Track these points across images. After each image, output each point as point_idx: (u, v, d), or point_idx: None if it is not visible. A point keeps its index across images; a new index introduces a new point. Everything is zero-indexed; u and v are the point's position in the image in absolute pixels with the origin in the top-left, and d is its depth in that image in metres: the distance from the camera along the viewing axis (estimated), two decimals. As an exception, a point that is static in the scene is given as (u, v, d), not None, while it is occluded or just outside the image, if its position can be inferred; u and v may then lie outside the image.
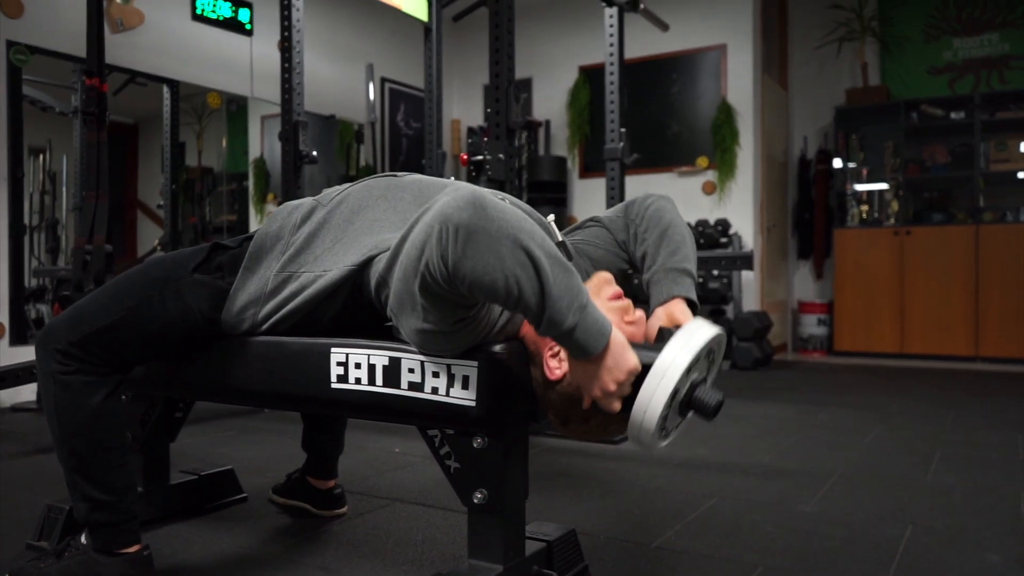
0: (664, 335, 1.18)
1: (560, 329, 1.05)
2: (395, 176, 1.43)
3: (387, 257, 1.22)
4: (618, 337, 1.09)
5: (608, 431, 1.22)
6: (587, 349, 1.07)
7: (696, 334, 1.10)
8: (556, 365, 1.17)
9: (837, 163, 6.13)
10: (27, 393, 3.57)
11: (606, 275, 1.25)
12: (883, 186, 6.00)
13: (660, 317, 1.26)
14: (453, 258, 1.01)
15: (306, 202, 1.43)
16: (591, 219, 1.49)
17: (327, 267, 1.32)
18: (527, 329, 1.25)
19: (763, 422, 3.22)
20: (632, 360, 1.09)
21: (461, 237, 1.01)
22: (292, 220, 1.40)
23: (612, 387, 1.09)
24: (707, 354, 1.14)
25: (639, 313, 1.18)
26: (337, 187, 1.45)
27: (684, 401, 1.12)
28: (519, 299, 1.03)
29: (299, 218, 1.40)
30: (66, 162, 4.33)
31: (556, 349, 1.17)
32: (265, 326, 1.37)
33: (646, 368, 1.08)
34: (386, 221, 1.32)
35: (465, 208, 1.02)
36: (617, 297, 1.21)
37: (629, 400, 1.10)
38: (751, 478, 2.30)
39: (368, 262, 1.27)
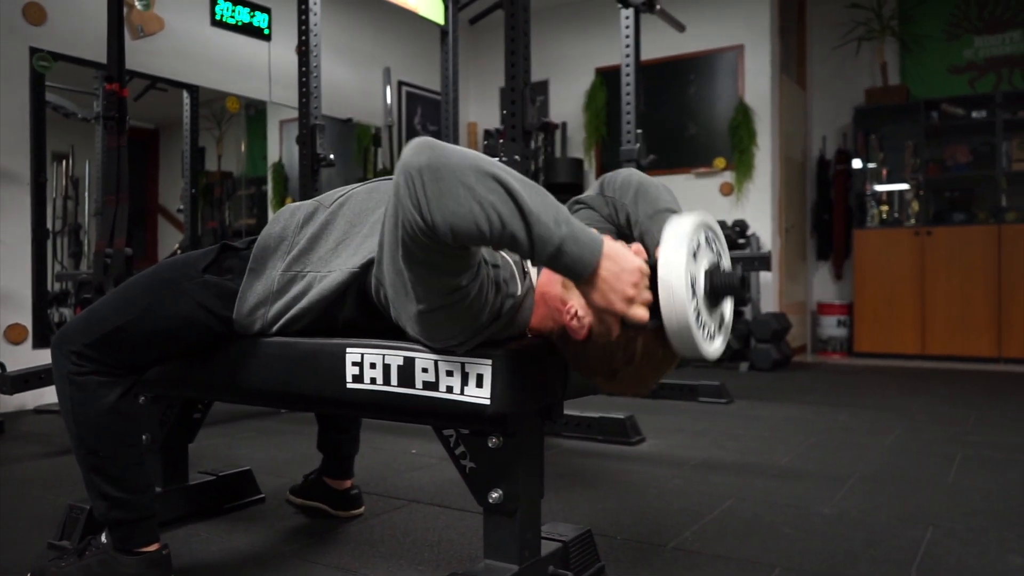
0: None
1: (552, 245, 1.03)
2: None
3: (377, 252, 1.22)
4: (612, 242, 1.07)
5: (656, 361, 1.17)
6: (585, 260, 1.04)
7: (681, 221, 1.11)
8: (578, 325, 1.16)
9: (856, 163, 6.08)
10: (50, 395, 3.62)
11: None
12: (903, 186, 5.94)
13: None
14: (424, 203, 1.00)
15: (307, 204, 1.45)
16: (575, 201, 1.51)
17: (331, 268, 1.33)
18: (538, 319, 1.25)
19: (781, 423, 3.20)
20: (634, 259, 1.07)
21: (427, 178, 1.00)
22: (295, 221, 1.42)
23: (630, 291, 1.05)
24: (705, 239, 1.14)
25: (636, 245, 1.15)
26: (339, 189, 1.46)
27: (708, 290, 1.11)
28: (502, 227, 1.01)
29: (301, 219, 1.42)
30: (88, 168, 4.39)
31: (572, 310, 1.17)
32: (276, 326, 1.39)
33: (654, 272, 1.08)
34: None
35: (421, 152, 1.02)
36: None
37: (657, 312, 1.07)
38: (769, 479, 2.28)
39: (370, 264, 1.28)
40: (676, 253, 1.07)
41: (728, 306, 1.22)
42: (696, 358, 1.13)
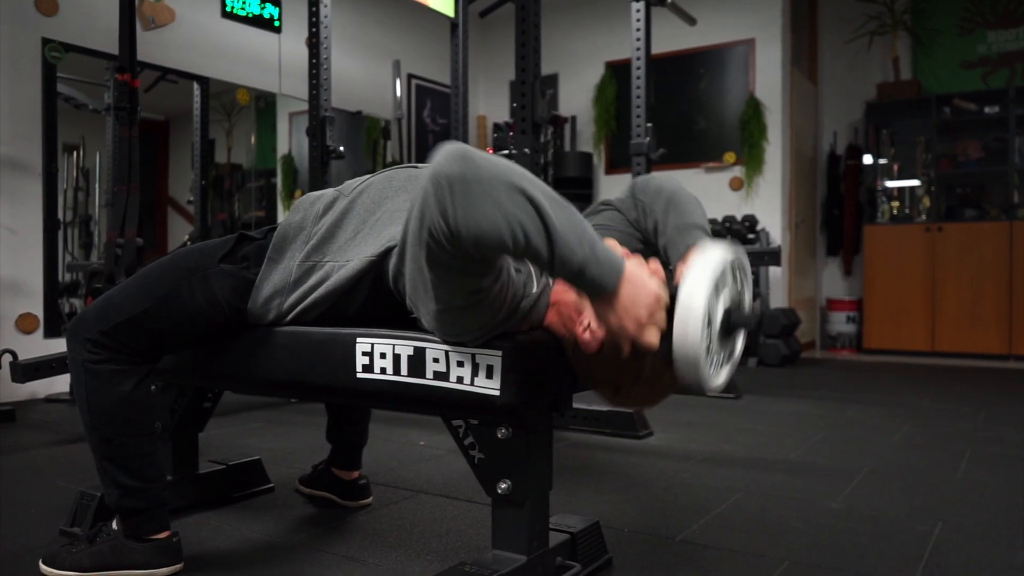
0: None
1: (573, 265, 1.03)
2: (415, 167, 1.44)
3: (400, 245, 1.23)
4: (633, 265, 1.07)
5: (660, 384, 1.19)
6: (605, 281, 1.05)
7: (712, 252, 1.11)
8: (590, 338, 1.17)
9: (867, 159, 6.05)
10: (61, 384, 3.64)
11: (613, 242, 1.25)
12: (914, 182, 5.91)
13: (681, 272, 1.26)
14: (452, 212, 1.00)
15: (327, 192, 1.45)
16: (603, 202, 1.50)
17: (349, 257, 1.33)
18: (552, 317, 1.25)
19: (790, 419, 3.19)
20: (653, 285, 1.07)
21: (457, 189, 1.00)
22: (314, 210, 1.42)
23: (643, 314, 1.05)
24: (732, 272, 1.14)
25: (655, 264, 1.14)
26: (359, 178, 1.46)
27: (724, 327, 1.12)
28: (526, 243, 1.01)
29: (321, 208, 1.42)
30: (99, 159, 4.40)
31: (585, 322, 1.17)
32: (291, 316, 1.39)
33: (673, 299, 1.08)
34: (406, 212, 1.33)
35: (454, 161, 1.02)
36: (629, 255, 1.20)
37: (669, 339, 1.08)
38: (777, 474, 2.28)
39: (387, 253, 1.28)
40: (699, 285, 1.07)
41: (740, 339, 1.22)
42: (699, 390, 1.13)
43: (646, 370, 1.17)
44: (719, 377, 1.15)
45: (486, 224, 1.00)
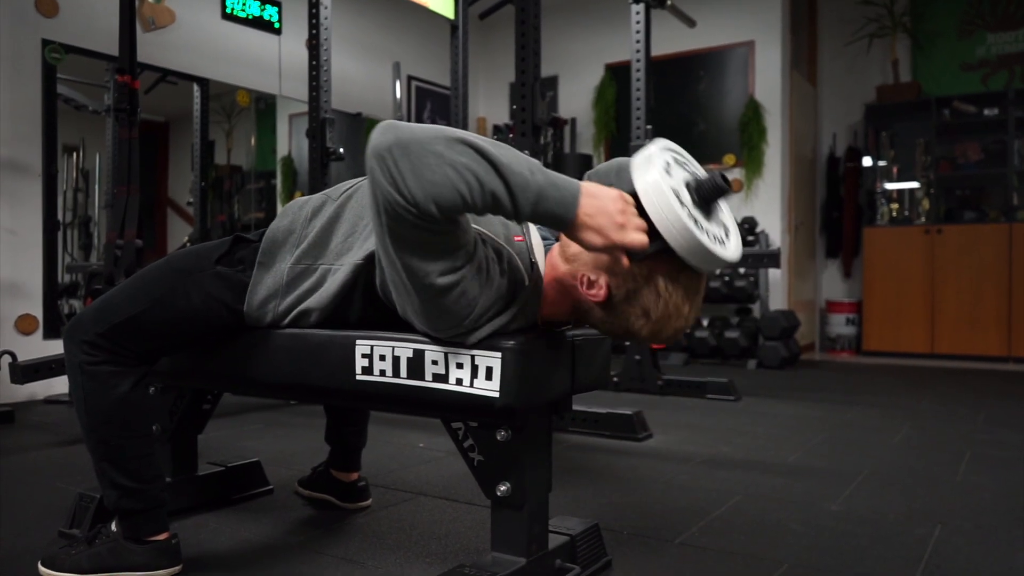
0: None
1: (532, 192, 1.05)
2: None
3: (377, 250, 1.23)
4: (588, 182, 1.10)
5: (683, 287, 1.17)
6: (567, 200, 1.07)
7: (644, 150, 1.14)
8: (596, 291, 1.18)
9: (867, 161, 6.06)
10: (60, 385, 3.64)
11: None
12: (914, 184, 5.92)
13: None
14: (401, 179, 1.02)
15: (315, 197, 1.46)
16: None
17: (343, 261, 1.33)
18: (551, 305, 1.27)
19: (789, 421, 3.19)
20: (613, 190, 1.09)
21: (397, 154, 1.02)
22: (303, 214, 1.43)
23: (618, 217, 1.07)
24: (674, 160, 1.15)
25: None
26: (347, 182, 1.46)
27: (696, 200, 1.12)
28: (480, 185, 1.03)
29: (309, 212, 1.42)
30: (99, 160, 4.41)
31: (584, 279, 1.18)
32: (287, 319, 1.39)
33: (637, 200, 1.10)
34: None
35: (386, 132, 1.05)
36: None
37: (655, 233, 1.09)
38: (777, 476, 2.28)
39: (372, 258, 1.28)
40: (648, 172, 1.09)
41: (726, 213, 1.22)
42: (717, 265, 1.13)
43: (661, 283, 1.15)
44: (728, 249, 1.14)
45: (436, 179, 1.01)
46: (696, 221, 1.09)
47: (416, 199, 1.02)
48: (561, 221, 1.08)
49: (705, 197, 1.12)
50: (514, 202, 1.05)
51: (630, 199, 1.10)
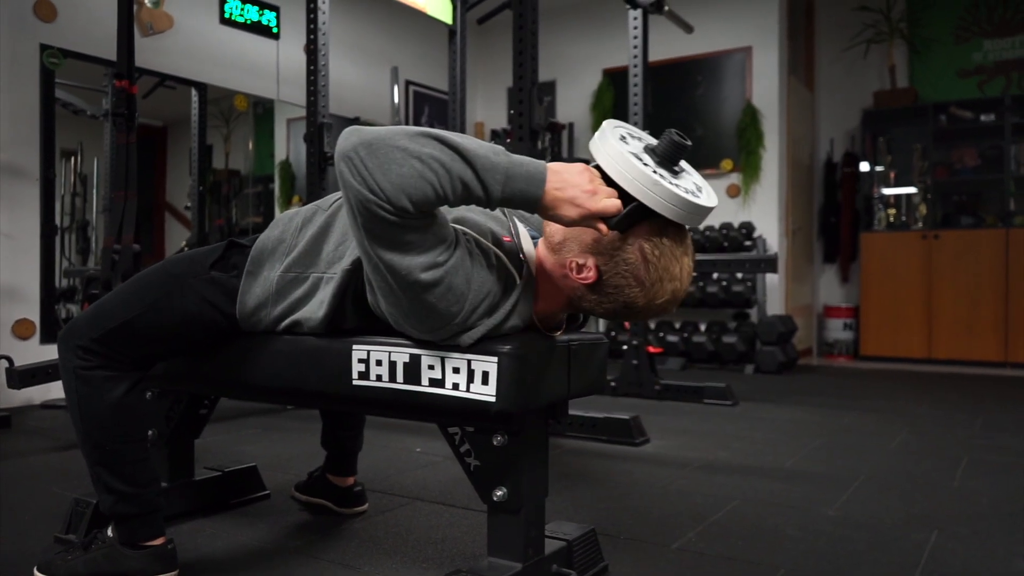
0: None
1: (499, 173, 1.08)
2: None
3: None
4: (551, 162, 1.13)
5: (670, 247, 1.17)
6: (534, 177, 1.10)
7: (599, 130, 1.17)
8: (585, 273, 1.19)
9: (864, 166, 6.07)
10: (57, 390, 3.63)
11: None
12: (911, 189, 5.93)
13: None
14: (369, 177, 1.05)
15: (305, 208, 1.46)
16: None
17: (336, 269, 1.33)
18: (545, 299, 1.27)
19: (787, 426, 3.19)
20: (577, 164, 1.12)
21: (363, 154, 1.05)
22: (293, 224, 1.43)
23: (587, 185, 1.11)
24: (626, 132, 1.18)
25: None
26: (338, 191, 1.46)
27: (656, 159, 1.15)
28: (448, 173, 1.06)
29: (300, 222, 1.42)
30: (97, 165, 4.40)
31: (572, 264, 1.20)
32: (281, 327, 1.39)
33: (600, 170, 1.14)
34: None
35: (349, 135, 1.08)
36: None
37: (625, 195, 1.12)
38: (774, 481, 2.28)
39: (360, 263, 1.27)
40: (605, 143, 1.13)
41: (693, 173, 1.24)
42: (696, 214, 1.13)
43: (648, 249, 1.16)
44: (703, 198, 1.15)
45: (404, 171, 1.04)
46: (663, 177, 1.12)
47: (388, 194, 1.04)
48: (532, 199, 1.11)
49: (666, 156, 1.15)
50: (484, 185, 1.08)
51: (592, 169, 1.14)
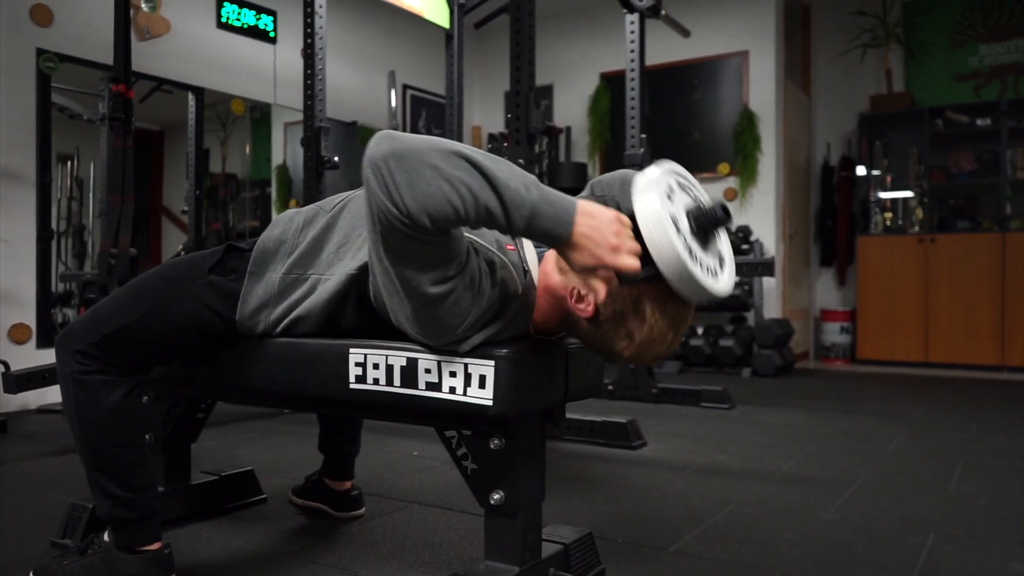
0: None
1: (526, 208, 1.04)
2: None
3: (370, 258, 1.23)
4: (585, 201, 1.09)
5: (670, 315, 1.16)
6: (561, 219, 1.06)
7: (647, 171, 1.12)
8: (584, 305, 1.17)
9: (860, 170, 6.08)
10: (53, 395, 3.62)
11: None
12: (907, 193, 5.94)
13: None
14: (395, 190, 1.02)
15: (306, 209, 1.46)
16: None
17: (334, 271, 1.33)
18: (542, 314, 1.27)
19: (783, 429, 3.19)
20: (611, 211, 1.08)
21: (393, 165, 1.03)
22: (294, 225, 1.43)
23: (613, 239, 1.06)
24: (677, 184, 1.14)
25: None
26: (340, 194, 1.47)
27: (694, 228, 1.11)
28: (475, 200, 1.03)
29: (301, 223, 1.42)
30: (93, 169, 4.40)
31: (574, 292, 1.18)
32: (279, 328, 1.39)
33: (634, 221, 1.08)
34: None
35: (383, 142, 1.05)
36: None
37: (649, 259, 1.07)
38: (771, 484, 2.28)
39: (367, 267, 1.28)
40: (648, 195, 1.08)
41: (724, 242, 1.21)
42: (706, 298, 1.11)
43: (648, 309, 1.15)
44: (720, 282, 1.13)
45: (431, 191, 1.02)
46: (691, 251, 1.08)
47: (410, 211, 1.02)
48: (555, 238, 1.08)
49: (703, 226, 1.12)
50: (508, 217, 1.05)
51: (627, 221, 1.09)
